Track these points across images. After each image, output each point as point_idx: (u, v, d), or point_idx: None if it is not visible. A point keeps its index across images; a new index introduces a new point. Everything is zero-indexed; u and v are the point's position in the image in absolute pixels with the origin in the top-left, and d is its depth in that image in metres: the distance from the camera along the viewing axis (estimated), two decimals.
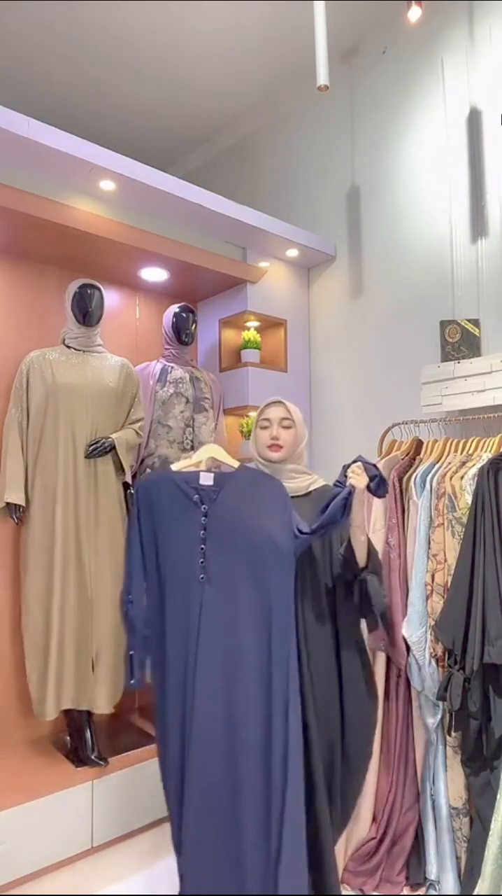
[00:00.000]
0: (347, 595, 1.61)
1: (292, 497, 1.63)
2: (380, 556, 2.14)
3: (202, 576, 1.50)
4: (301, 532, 1.52)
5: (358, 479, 1.53)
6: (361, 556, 1.58)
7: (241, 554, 1.49)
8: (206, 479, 1.54)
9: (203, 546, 1.50)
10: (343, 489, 1.52)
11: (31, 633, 2.31)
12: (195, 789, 1.44)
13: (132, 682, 1.57)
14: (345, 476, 1.56)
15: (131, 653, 1.57)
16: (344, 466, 1.58)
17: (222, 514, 1.52)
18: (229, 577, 1.49)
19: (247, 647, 1.46)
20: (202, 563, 1.49)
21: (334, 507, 1.49)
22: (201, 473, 1.55)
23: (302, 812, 1.42)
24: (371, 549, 1.61)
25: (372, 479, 1.54)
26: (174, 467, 1.60)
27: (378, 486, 1.55)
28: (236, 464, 1.61)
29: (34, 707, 2.29)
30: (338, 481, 1.55)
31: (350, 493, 1.50)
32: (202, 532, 1.51)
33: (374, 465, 1.56)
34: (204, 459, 1.62)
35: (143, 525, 1.56)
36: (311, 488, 1.72)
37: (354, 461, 1.57)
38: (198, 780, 1.44)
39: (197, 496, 1.53)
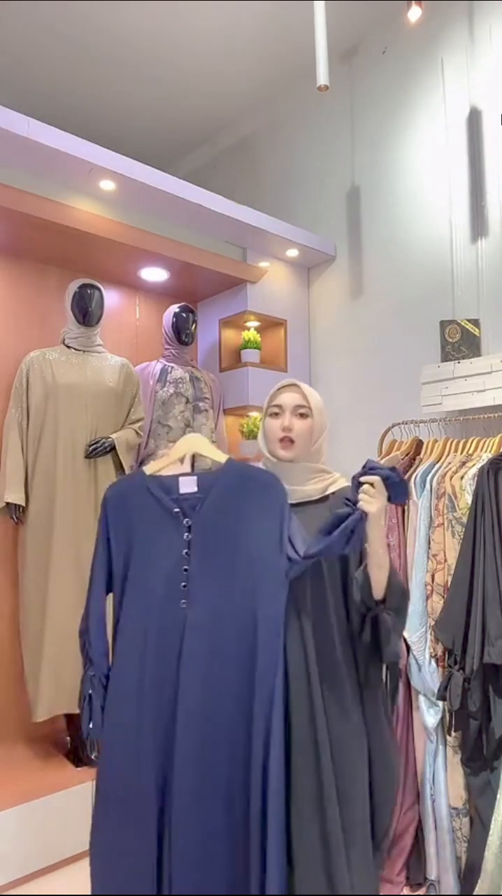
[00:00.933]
0: (361, 629, 1.32)
1: (304, 503, 1.37)
2: None
3: (183, 601, 1.25)
4: (297, 554, 1.26)
5: (371, 503, 1.22)
6: (377, 589, 1.28)
7: (229, 574, 1.26)
8: (188, 486, 1.29)
9: (186, 567, 1.25)
10: (352, 512, 1.21)
11: (29, 633, 2.32)
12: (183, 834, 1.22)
13: (90, 727, 1.28)
14: (357, 493, 1.24)
15: (89, 692, 1.29)
16: (354, 478, 1.26)
17: (208, 528, 1.27)
18: (214, 601, 1.25)
19: (232, 680, 1.24)
20: (184, 586, 1.25)
21: (335, 538, 1.21)
22: (181, 479, 1.29)
23: (282, 857, 1.20)
24: (391, 583, 1.29)
25: (389, 485, 1.24)
26: (148, 469, 1.32)
27: (397, 494, 1.26)
28: (223, 457, 1.34)
29: (31, 706, 2.29)
30: (347, 499, 1.25)
31: (360, 520, 1.21)
32: (185, 551, 1.26)
33: (393, 470, 1.25)
34: (185, 455, 1.36)
35: (115, 541, 1.30)
36: (329, 491, 1.40)
37: (366, 468, 1.25)
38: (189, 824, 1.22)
39: (177, 509, 1.27)
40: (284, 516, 1.28)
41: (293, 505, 1.34)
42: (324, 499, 1.40)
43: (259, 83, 3.43)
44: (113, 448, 2.43)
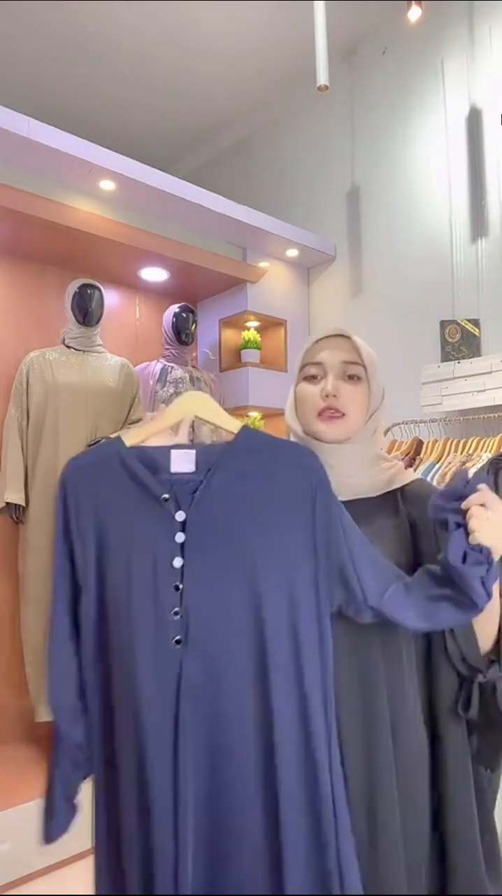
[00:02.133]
0: (465, 702, 0.90)
1: (360, 500, 0.94)
2: None
3: (178, 637, 0.80)
4: (367, 603, 0.83)
5: (488, 528, 0.79)
6: (486, 640, 0.89)
7: (242, 601, 0.82)
8: (183, 463, 0.85)
9: (179, 584, 0.81)
10: (472, 553, 0.79)
11: (30, 633, 2.32)
12: None
13: (54, 833, 0.90)
14: (460, 518, 0.81)
15: (52, 783, 0.89)
16: (444, 496, 0.84)
17: (212, 526, 0.83)
18: (222, 639, 0.81)
19: (250, 778, 0.79)
20: (177, 613, 0.81)
21: (450, 612, 0.81)
22: (173, 453, 0.86)
23: None
24: None
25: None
26: (128, 440, 0.88)
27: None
28: (235, 424, 0.90)
29: (33, 706, 2.29)
30: (443, 520, 0.83)
31: (488, 563, 0.79)
32: (178, 559, 0.82)
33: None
34: (182, 423, 0.93)
35: (78, 540, 0.86)
36: (395, 485, 0.97)
37: (464, 484, 0.83)
38: None
39: (167, 494, 0.83)
40: (331, 516, 0.84)
41: (344, 502, 0.88)
42: (388, 497, 0.96)
43: (259, 83, 3.43)
44: None
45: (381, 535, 0.91)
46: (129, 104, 3.59)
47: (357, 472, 0.96)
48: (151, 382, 2.76)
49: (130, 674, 0.81)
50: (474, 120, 2.56)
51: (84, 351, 2.50)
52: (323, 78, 2.06)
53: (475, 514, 0.80)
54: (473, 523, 0.79)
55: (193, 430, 1.00)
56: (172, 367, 2.81)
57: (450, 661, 0.90)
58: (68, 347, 2.49)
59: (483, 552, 0.79)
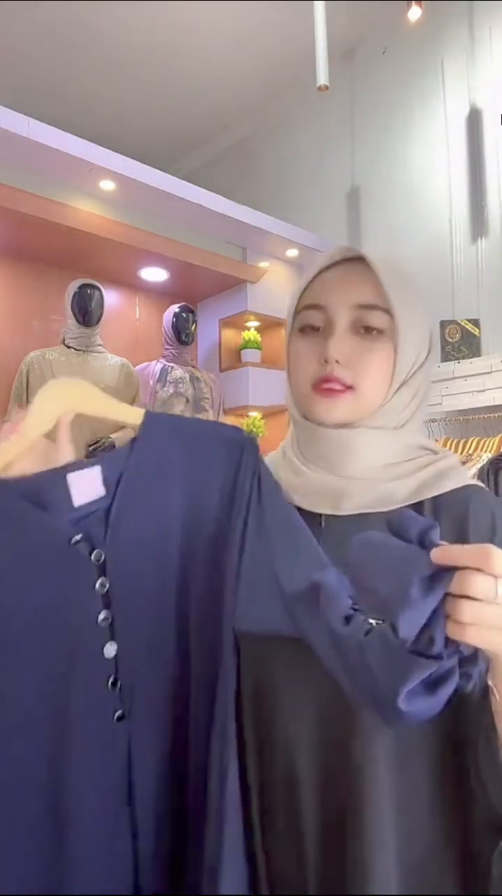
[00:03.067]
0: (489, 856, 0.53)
1: (361, 516, 0.62)
2: None
3: (119, 712, 0.61)
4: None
5: (481, 629, 0.40)
6: None
7: (188, 647, 0.65)
8: (88, 488, 0.61)
9: (113, 642, 0.61)
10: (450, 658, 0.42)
11: None
12: None
13: None
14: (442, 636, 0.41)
15: None
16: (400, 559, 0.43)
17: (138, 559, 0.63)
18: (177, 703, 0.64)
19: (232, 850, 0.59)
20: (113, 681, 0.61)
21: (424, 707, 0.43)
22: (71, 477, 0.60)
23: None
24: None
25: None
26: None
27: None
28: (136, 415, 0.66)
29: None
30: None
31: (471, 677, 0.44)
32: (104, 614, 0.61)
33: None
34: (60, 424, 0.63)
35: None
36: (427, 493, 0.62)
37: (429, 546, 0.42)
38: None
39: (80, 535, 0.60)
40: (262, 511, 0.64)
41: (344, 519, 0.63)
42: (420, 505, 0.62)
43: (259, 83, 3.43)
44: (113, 448, 2.43)
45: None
46: (130, 104, 3.59)
47: (368, 472, 0.64)
48: (151, 382, 2.76)
49: (57, 772, 0.59)
50: (474, 120, 2.56)
51: (84, 351, 2.50)
52: (323, 78, 2.06)
53: (477, 591, 0.39)
54: (470, 613, 0.40)
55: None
56: (172, 367, 2.81)
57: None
58: (68, 347, 2.49)
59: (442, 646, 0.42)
